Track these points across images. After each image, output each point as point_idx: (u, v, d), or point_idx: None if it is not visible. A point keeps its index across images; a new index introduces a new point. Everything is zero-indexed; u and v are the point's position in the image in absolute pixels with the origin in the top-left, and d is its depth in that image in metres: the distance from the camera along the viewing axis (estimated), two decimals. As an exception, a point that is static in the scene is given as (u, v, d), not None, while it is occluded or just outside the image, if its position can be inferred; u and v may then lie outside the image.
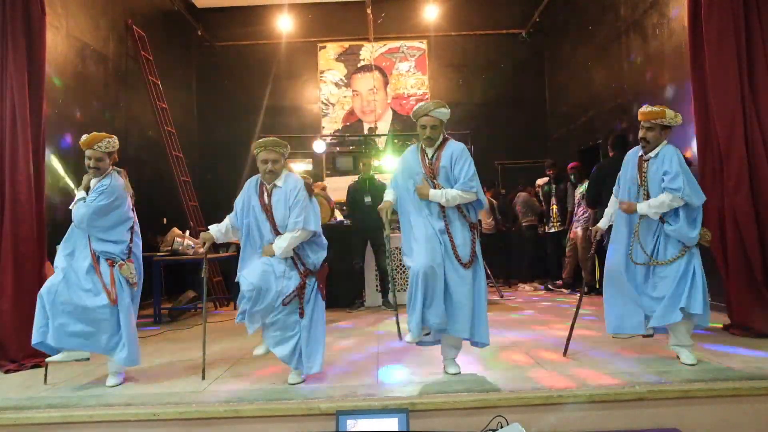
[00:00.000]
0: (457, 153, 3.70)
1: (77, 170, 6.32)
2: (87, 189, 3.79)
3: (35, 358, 4.32)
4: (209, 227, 3.90)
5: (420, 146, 3.83)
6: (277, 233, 3.63)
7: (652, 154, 3.79)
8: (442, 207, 3.66)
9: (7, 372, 4.14)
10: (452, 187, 3.64)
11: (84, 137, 3.79)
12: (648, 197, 3.74)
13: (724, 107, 4.58)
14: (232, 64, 10.82)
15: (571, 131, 9.56)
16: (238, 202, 3.82)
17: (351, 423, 2.90)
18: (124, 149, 7.38)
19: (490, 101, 10.74)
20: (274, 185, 3.73)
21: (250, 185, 3.83)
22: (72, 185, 6.23)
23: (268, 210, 3.67)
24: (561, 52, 10.09)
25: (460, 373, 3.66)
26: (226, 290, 8.51)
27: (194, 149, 10.14)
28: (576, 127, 9.35)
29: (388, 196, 3.84)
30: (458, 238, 3.63)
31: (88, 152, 3.76)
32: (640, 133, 3.82)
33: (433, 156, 3.75)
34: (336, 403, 3.10)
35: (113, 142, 3.81)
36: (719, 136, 4.61)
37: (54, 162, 5.90)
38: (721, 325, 4.76)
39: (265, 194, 3.72)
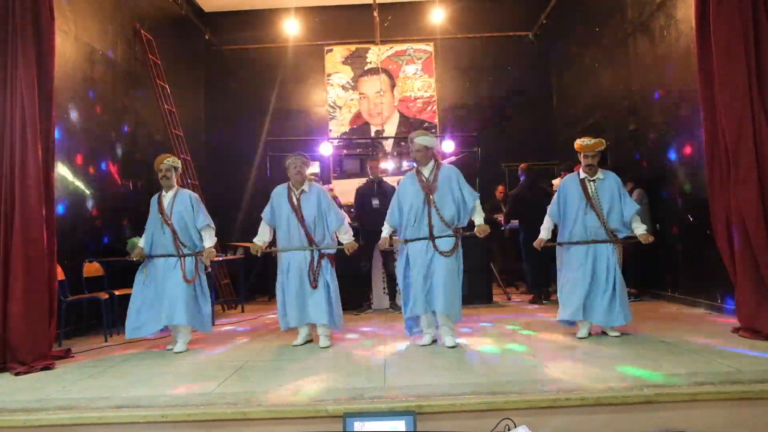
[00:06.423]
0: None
1: (86, 174, 6.38)
2: (161, 207, 4.97)
3: (45, 361, 4.36)
4: (254, 240, 5.03)
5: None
6: (304, 226, 4.82)
7: (600, 176, 4.87)
8: None
9: (17, 374, 4.16)
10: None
11: (158, 158, 5.08)
12: (595, 210, 4.75)
13: (731, 108, 4.55)
14: (240, 67, 10.86)
15: (579, 133, 9.49)
16: (270, 206, 5.02)
17: (358, 425, 2.90)
18: (132, 152, 7.50)
19: (497, 103, 10.73)
20: (302, 190, 4.93)
21: (278, 191, 5.04)
22: (82, 188, 6.28)
23: (297, 210, 4.87)
24: (568, 54, 10.06)
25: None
26: (234, 293, 8.55)
27: (202, 152, 10.18)
28: (583, 129, 9.28)
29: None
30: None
31: (161, 167, 5.03)
32: (588, 161, 4.85)
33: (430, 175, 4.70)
34: (343, 405, 3.10)
35: (174, 160, 5.11)
36: (727, 137, 4.57)
37: (63, 166, 5.94)
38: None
39: (294, 197, 4.91)
